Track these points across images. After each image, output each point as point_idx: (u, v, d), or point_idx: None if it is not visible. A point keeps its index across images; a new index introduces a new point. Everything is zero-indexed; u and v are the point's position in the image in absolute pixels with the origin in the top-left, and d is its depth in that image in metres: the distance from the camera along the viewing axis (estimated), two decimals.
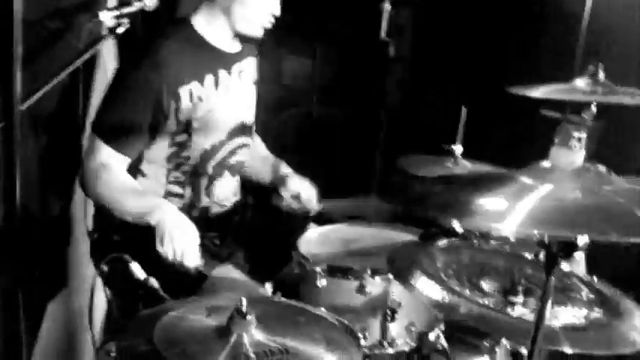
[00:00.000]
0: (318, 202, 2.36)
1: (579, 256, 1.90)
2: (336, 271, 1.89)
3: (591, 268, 1.92)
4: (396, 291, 1.83)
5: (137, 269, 1.80)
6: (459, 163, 2.50)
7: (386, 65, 3.70)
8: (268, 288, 1.94)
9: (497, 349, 1.91)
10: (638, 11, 3.02)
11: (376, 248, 2.08)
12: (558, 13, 3.18)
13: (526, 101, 2.06)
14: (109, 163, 2.02)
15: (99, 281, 2.00)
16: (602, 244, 1.16)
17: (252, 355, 1.39)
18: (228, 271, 2.06)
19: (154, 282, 1.79)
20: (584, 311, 1.58)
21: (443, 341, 1.84)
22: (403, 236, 2.14)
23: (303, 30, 3.60)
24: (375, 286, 1.86)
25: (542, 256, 1.28)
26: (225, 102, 2.17)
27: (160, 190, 2.16)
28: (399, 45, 3.55)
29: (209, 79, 2.12)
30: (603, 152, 1.74)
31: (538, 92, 2.06)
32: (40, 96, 1.66)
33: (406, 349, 1.82)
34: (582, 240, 1.21)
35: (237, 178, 2.35)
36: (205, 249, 2.02)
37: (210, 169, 2.19)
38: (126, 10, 1.78)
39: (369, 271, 1.85)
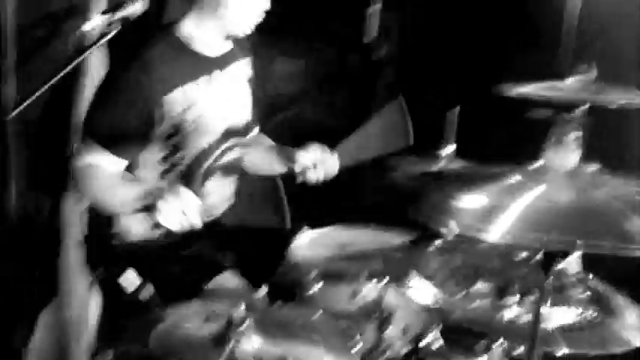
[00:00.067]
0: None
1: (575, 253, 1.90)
2: (331, 275, 1.88)
3: (586, 265, 1.92)
4: (392, 294, 1.83)
5: (133, 275, 1.79)
6: (451, 164, 2.49)
7: (374, 68, 3.69)
8: (263, 291, 1.93)
9: (492, 350, 1.91)
10: (628, 9, 3.03)
11: (371, 251, 2.08)
12: (548, 11, 3.20)
13: (517, 101, 2.06)
14: (100, 163, 2.00)
15: (94, 288, 1.99)
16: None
17: None
18: (225, 280, 2.05)
19: (150, 288, 1.78)
20: (579, 310, 1.58)
21: (439, 344, 1.84)
22: (398, 239, 2.13)
23: (294, 32, 3.59)
24: (370, 290, 1.86)
25: (539, 256, 1.28)
26: (215, 105, 2.16)
27: None
28: (388, 48, 3.54)
29: (197, 83, 2.11)
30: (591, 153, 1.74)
31: (527, 90, 2.06)
32: (30, 102, 1.65)
33: (402, 352, 1.82)
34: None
35: (233, 179, 2.34)
36: (199, 259, 2.00)
37: (202, 173, 2.18)
38: (117, 14, 1.77)
39: (364, 275, 1.85)
